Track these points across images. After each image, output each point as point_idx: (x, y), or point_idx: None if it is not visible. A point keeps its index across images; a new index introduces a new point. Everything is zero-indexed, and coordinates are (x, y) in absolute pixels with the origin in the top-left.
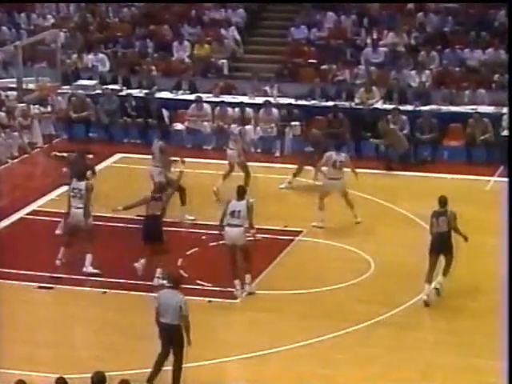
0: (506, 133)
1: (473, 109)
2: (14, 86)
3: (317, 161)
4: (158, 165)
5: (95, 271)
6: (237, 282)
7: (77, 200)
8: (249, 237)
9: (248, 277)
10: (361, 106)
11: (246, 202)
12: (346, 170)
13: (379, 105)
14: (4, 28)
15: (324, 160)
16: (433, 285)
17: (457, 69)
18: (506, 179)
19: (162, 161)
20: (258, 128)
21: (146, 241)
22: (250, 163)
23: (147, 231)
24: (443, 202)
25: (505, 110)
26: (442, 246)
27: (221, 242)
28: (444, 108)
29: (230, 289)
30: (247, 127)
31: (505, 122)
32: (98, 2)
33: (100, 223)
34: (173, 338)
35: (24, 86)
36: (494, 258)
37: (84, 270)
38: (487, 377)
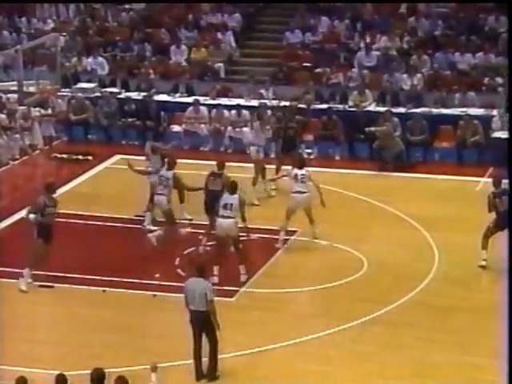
0: (495, 134)
1: (463, 111)
2: (14, 88)
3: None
4: (151, 165)
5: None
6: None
7: (162, 187)
8: (244, 236)
9: (242, 267)
10: (354, 109)
11: (238, 195)
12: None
13: (372, 107)
14: (5, 32)
15: (287, 174)
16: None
17: (448, 72)
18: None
19: (154, 161)
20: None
21: (208, 214)
22: (246, 164)
23: (208, 206)
24: (498, 182)
25: (494, 112)
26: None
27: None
28: (435, 110)
29: (226, 287)
30: (244, 129)
31: (495, 124)
32: (98, 2)
33: (99, 223)
34: (203, 324)
35: (25, 89)
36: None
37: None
38: (481, 374)
